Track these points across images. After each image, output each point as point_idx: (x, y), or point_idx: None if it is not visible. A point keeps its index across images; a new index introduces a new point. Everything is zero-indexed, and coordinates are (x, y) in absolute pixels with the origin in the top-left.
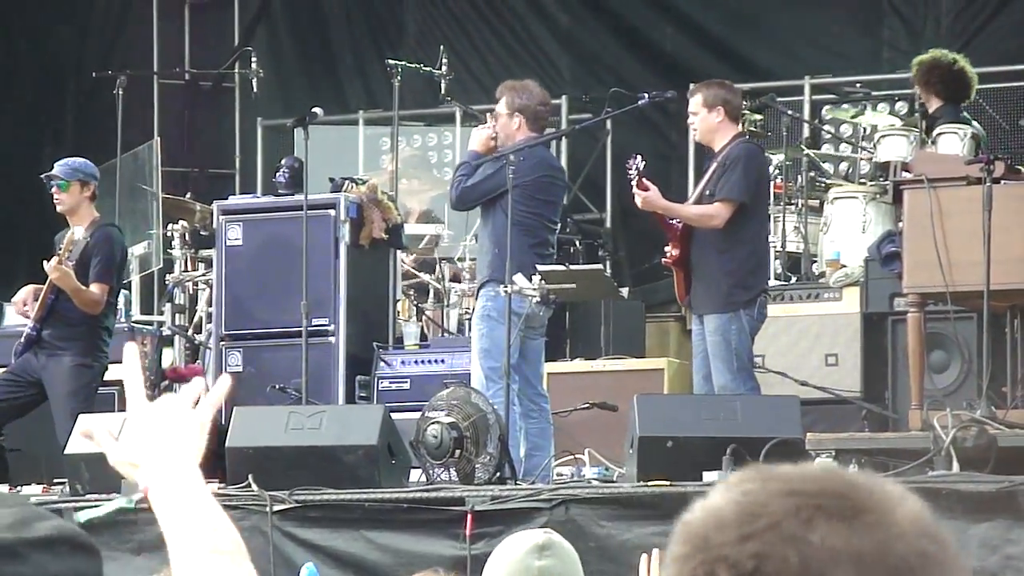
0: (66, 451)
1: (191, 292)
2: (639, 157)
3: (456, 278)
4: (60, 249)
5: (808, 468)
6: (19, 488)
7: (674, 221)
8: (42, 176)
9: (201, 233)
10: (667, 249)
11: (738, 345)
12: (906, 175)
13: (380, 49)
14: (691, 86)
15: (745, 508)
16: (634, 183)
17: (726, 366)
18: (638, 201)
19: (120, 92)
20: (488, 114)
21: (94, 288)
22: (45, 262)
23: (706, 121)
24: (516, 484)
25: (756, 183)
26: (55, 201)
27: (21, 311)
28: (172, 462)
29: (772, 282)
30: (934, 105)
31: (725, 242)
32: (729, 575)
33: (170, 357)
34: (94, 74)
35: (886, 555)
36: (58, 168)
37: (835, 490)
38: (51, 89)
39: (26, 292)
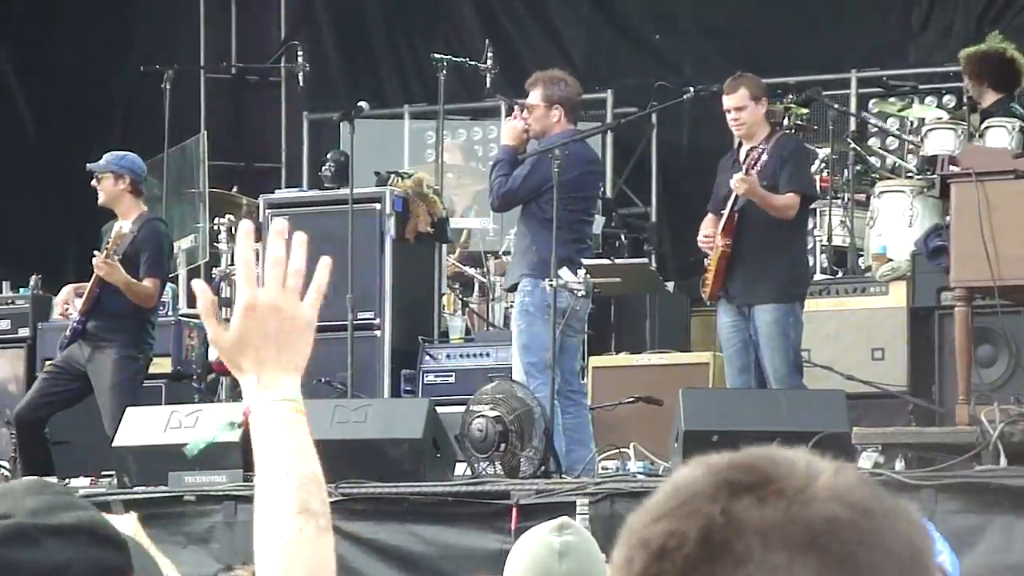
0: (114, 443)
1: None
2: (764, 149)
3: (503, 272)
4: (107, 243)
5: (738, 451)
6: (67, 481)
7: (732, 212)
8: (87, 166)
9: None
10: (718, 241)
11: (795, 337)
12: (953, 169)
13: (412, 43)
14: (728, 81)
15: (668, 492)
16: (750, 168)
17: (784, 356)
18: (741, 186)
19: (167, 86)
20: (517, 106)
21: (147, 282)
22: (93, 257)
23: (755, 113)
24: (561, 478)
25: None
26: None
27: (63, 312)
28: (278, 374)
29: (818, 276)
30: (989, 99)
31: (789, 234)
32: (642, 556)
33: (217, 351)
34: (142, 68)
35: (790, 522)
36: (102, 159)
37: (745, 464)
38: (99, 84)
39: (67, 292)
